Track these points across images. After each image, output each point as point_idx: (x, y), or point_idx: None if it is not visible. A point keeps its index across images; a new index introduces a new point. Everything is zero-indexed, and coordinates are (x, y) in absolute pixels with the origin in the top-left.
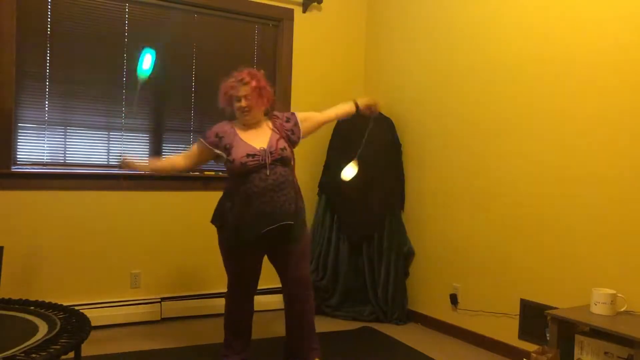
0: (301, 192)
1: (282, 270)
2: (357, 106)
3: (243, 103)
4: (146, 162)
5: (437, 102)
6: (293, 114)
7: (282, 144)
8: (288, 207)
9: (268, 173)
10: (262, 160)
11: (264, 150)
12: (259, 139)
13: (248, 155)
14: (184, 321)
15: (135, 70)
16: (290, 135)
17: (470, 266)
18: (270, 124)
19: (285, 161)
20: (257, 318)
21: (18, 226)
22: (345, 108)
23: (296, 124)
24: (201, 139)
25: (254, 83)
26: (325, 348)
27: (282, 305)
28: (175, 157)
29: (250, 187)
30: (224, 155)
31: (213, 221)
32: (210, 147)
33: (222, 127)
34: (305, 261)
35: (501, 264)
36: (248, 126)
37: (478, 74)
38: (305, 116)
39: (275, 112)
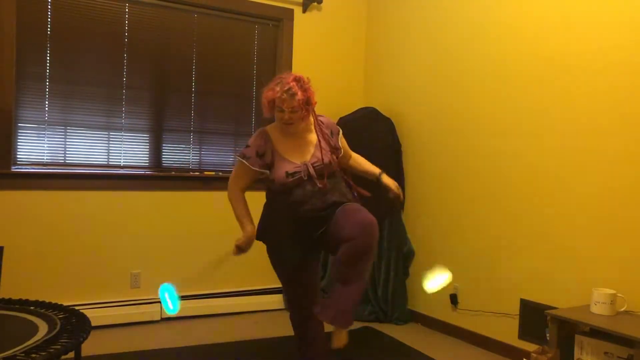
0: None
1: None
2: (380, 177)
3: (287, 116)
4: (246, 236)
5: (437, 103)
6: (338, 129)
7: (328, 157)
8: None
9: (310, 187)
10: (304, 175)
11: (305, 165)
12: (299, 150)
13: (288, 175)
14: (184, 321)
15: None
16: (333, 150)
17: (470, 266)
18: (313, 130)
19: (331, 173)
20: (257, 318)
21: (18, 226)
22: (370, 167)
23: (336, 145)
24: (244, 161)
25: (301, 95)
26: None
27: (281, 305)
28: (239, 195)
29: (291, 198)
30: (268, 173)
31: (258, 237)
32: (257, 169)
33: (258, 141)
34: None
35: (501, 264)
36: (288, 135)
37: (478, 74)
38: (344, 144)
39: (320, 117)
